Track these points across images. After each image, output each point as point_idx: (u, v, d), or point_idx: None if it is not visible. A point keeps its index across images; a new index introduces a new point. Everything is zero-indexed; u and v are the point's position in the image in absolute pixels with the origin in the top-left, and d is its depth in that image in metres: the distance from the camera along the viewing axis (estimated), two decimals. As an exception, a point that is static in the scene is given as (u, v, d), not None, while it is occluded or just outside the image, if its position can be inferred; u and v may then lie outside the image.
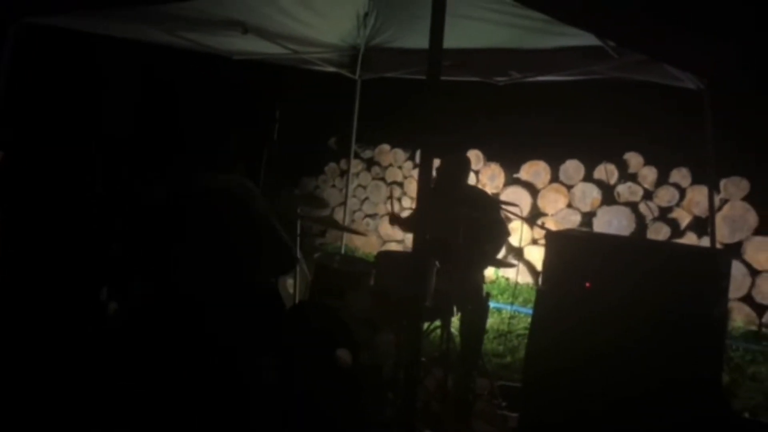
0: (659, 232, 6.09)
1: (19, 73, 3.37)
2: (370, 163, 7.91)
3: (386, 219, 7.58)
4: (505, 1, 2.93)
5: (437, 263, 3.39)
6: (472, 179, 6.96)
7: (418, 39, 4.34)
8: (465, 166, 4.10)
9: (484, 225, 3.67)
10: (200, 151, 2.56)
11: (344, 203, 6.27)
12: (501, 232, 3.93)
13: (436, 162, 6.63)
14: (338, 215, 7.54)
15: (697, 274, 2.78)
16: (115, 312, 3.92)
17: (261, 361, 2.63)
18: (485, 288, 4.07)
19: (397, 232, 7.53)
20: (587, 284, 2.94)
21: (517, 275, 6.20)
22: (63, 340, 3.55)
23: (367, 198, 7.87)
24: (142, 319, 2.58)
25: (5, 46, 3.21)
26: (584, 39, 3.54)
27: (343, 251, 5.85)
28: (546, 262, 3.16)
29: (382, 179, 7.79)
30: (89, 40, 4.02)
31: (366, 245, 7.55)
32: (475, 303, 3.73)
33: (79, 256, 4.22)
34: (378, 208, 7.79)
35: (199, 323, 2.44)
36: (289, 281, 4.30)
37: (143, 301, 2.60)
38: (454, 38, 4.08)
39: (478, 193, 4.20)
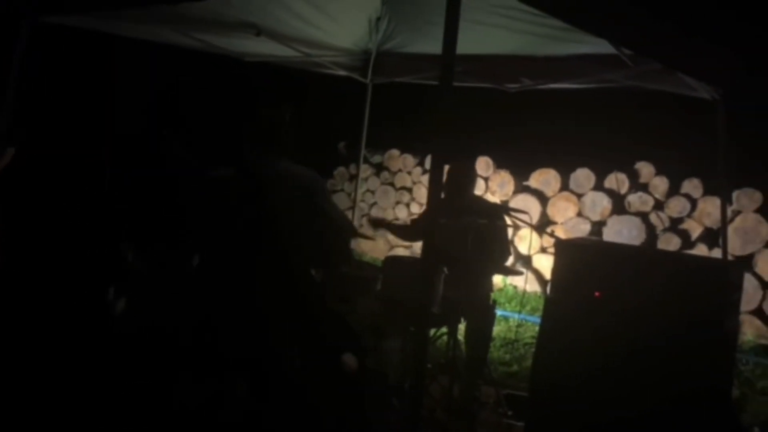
0: (670, 243, 6.03)
1: (32, 72, 3.38)
2: (380, 168, 7.90)
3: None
4: (520, 7, 2.91)
5: (445, 270, 3.37)
6: (481, 186, 6.94)
7: (430, 44, 4.33)
8: (471, 174, 4.08)
9: (491, 233, 3.65)
10: (249, 138, 2.53)
11: (353, 207, 6.26)
12: (506, 242, 3.92)
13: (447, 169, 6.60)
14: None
15: (708, 286, 2.75)
16: (122, 311, 3.93)
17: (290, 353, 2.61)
18: (492, 296, 4.04)
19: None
20: (597, 293, 2.91)
21: (525, 283, 6.16)
22: (70, 338, 3.56)
23: (375, 203, 7.86)
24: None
25: (18, 45, 3.22)
26: (598, 47, 3.51)
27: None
28: (555, 270, 3.13)
29: (391, 184, 7.78)
30: (102, 40, 4.04)
31: (374, 250, 7.53)
32: (482, 310, 3.71)
33: (86, 255, 4.23)
34: (386, 213, 7.78)
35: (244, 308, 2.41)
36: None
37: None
38: (466, 44, 4.10)
39: (483, 202, 4.19)
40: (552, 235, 4.02)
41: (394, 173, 7.79)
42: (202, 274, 2.53)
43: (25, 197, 4.66)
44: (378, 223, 4.41)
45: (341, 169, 8.16)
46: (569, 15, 2.29)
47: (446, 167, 4.02)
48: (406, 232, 4.47)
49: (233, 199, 2.43)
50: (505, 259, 4.01)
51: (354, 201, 6.19)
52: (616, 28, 2.55)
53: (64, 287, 4.05)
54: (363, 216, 7.83)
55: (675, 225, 6.16)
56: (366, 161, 7.73)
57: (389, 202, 7.76)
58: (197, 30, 4.02)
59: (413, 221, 4.87)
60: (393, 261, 3.64)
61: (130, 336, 3.39)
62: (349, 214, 7.24)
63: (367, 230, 7.66)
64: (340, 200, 8.05)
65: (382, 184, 7.83)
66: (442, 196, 4.11)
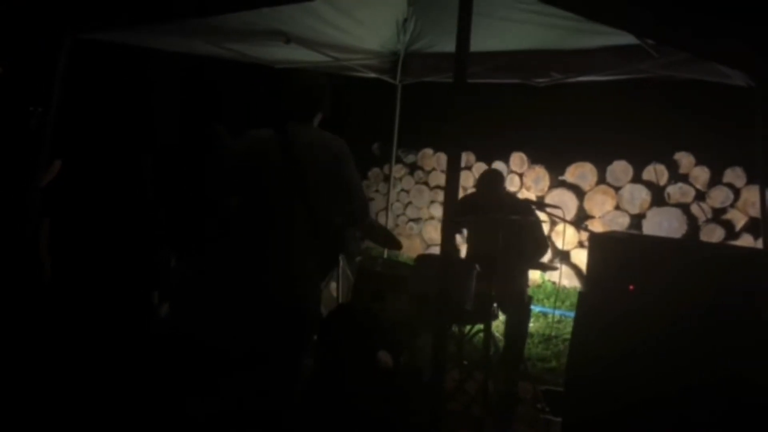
0: (713, 234, 5.88)
1: (73, 86, 3.54)
2: (413, 168, 7.93)
3: (429, 223, 7.61)
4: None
5: (477, 267, 3.39)
6: (515, 182, 6.91)
7: (457, 43, 4.35)
8: (499, 178, 4.15)
9: (524, 229, 3.66)
10: (286, 104, 2.58)
11: (387, 208, 6.31)
12: (542, 237, 3.92)
13: (481, 166, 6.59)
14: (381, 220, 7.59)
15: (746, 276, 2.70)
16: (166, 314, 4.06)
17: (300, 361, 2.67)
18: (529, 291, 4.04)
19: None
20: (631, 287, 2.89)
21: (560, 278, 6.10)
22: (117, 342, 3.70)
23: (410, 202, 7.89)
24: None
25: (60, 61, 3.38)
26: (627, 38, 3.47)
27: (385, 255, 5.89)
28: (589, 264, 3.11)
29: (425, 183, 7.80)
30: (140, 54, 4.19)
31: (409, 249, 7.56)
32: (518, 306, 3.71)
33: (131, 261, 4.39)
34: (421, 213, 7.80)
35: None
36: (333, 284, 4.37)
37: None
38: (493, 40, 4.11)
39: (515, 198, 4.20)
40: (586, 229, 3.99)
41: (428, 172, 7.81)
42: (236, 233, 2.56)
43: (71, 207, 4.86)
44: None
45: (375, 170, 8.22)
46: (586, 10, 2.28)
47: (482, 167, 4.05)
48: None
49: (269, 158, 2.48)
50: (542, 254, 4.00)
51: (388, 201, 6.24)
52: (637, 20, 2.52)
53: (111, 293, 4.21)
54: (398, 216, 7.88)
55: (718, 216, 6.01)
56: (399, 161, 7.77)
57: (424, 202, 7.78)
58: (229, 40, 4.14)
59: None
60: (425, 259, 3.67)
61: (173, 339, 3.50)
62: (383, 214, 7.29)
63: (403, 230, 7.72)
64: (376, 201, 8.12)
65: (417, 183, 7.86)
66: (476, 191, 4.15)
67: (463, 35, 1.80)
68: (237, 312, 2.50)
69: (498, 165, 7.05)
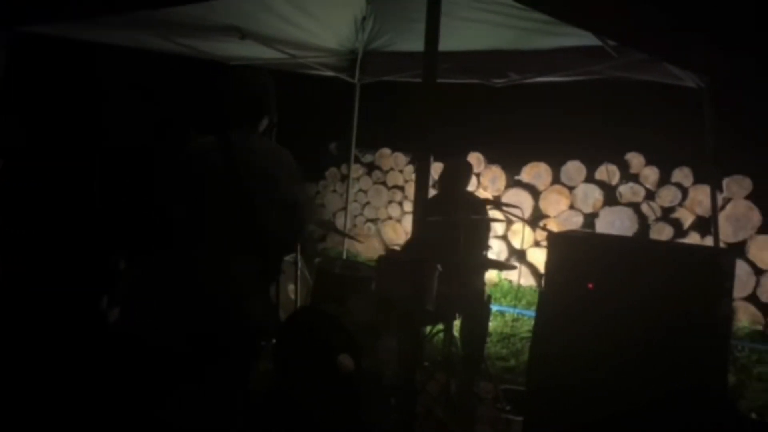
0: (662, 233, 6.05)
1: (14, 82, 3.36)
2: (371, 168, 7.89)
3: (387, 223, 7.59)
4: (503, 2, 2.91)
5: (439, 267, 3.37)
6: (473, 182, 6.94)
7: (416, 42, 4.30)
8: (466, 171, 4.09)
9: (481, 228, 3.66)
10: (226, 108, 2.46)
11: (345, 208, 6.25)
12: (485, 236, 3.94)
13: (439, 167, 6.62)
14: (339, 220, 7.52)
15: (700, 274, 2.75)
16: (115, 319, 3.91)
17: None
18: (487, 291, 4.04)
19: (400, 237, 7.51)
20: (590, 285, 2.92)
21: (519, 277, 6.17)
22: (64, 348, 3.54)
23: (368, 203, 7.85)
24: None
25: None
26: (583, 39, 3.52)
27: (344, 256, 5.83)
28: (548, 263, 3.13)
29: (383, 183, 7.77)
30: (86, 49, 4.01)
31: (368, 250, 7.52)
32: (477, 306, 3.70)
33: (79, 265, 4.21)
34: (379, 213, 7.77)
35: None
36: (290, 286, 4.28)
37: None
38: (452, 41, 4.11)
39: (474, 198, 4.19)
40: (544, 228, 4.03)
41: (386, 172, 7.78)
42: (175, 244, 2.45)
43: (15, 209, 4.63)
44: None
45: (333, 169, 8.15)
46: (553, 8, 2.29)
47: (442, 165, 4.04)
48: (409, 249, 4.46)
49: (210, 165, 2.37)
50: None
51: (346, 201, 6.18)
52: (599, 20, 2.55)
53: (58, 297, 4.03)
54: (356, 216, 7.83)
55: (667, 214, 6.18)
56: (357, 161, 7.72)
57: (382, 202, 7.75)
58: (181, 35, 4.00)
59: (407, 242, 4.81)
60: (387, 260, 3.62)
61: (123, 344, 3.37)
62: (341, 214, 7.23)
63: (360, 231, 7.67)
64: (333, 201, 8.04)
65: (375, 183, 7.82)
66: (437, 191, 4.14)
67: (432, 36, 1.76)
68: (180, 317, 2.40)
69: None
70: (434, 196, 4.10)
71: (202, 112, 2.59)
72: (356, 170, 7.72)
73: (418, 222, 1.86)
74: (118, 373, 2.93)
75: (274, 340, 3.37)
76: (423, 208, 1.83)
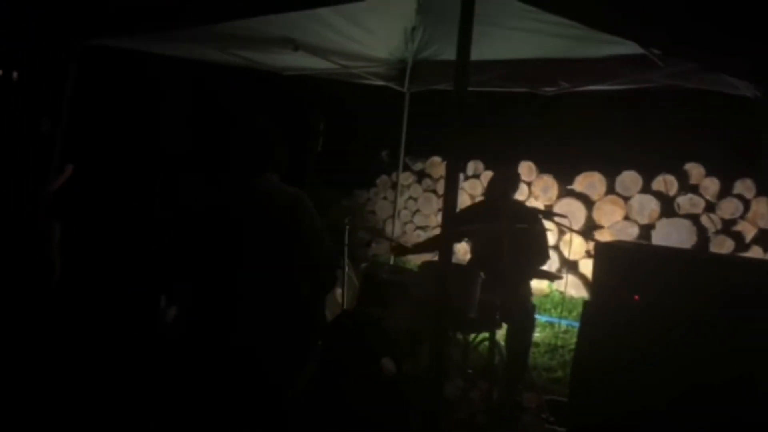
0: (723, 246, 5.84)
1: (84, 91, 3.59)
2: (421, 176, 7.93)
3: (437, 231, 7.60)
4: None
5: (482, 275, 3.37)
6: (524, 191, 6.89)
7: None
8: (514, 181, 4.08)
9: (529, 238, 3.64)
10: (250, 159, 2.56)
11: (394, 215, 6.32)
12: (544, 246, 3.89)
13: (487, 176, 6.59)
14: (389, 228, 7.59)
15: (756, 288, 2.67)
16: (173, 319, 4.09)
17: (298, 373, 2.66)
18: (534, 301, 4.01)
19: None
20: (636, 297, 2.87)
21: (566, 287, 6.07)
22: (123, 345, 3.73)
23: (418, 210, 7.89)
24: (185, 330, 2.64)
25: (70, 67, 3.42)
26: (635, 47, 3.47)
27: (392, 262, 5.89)
28: (594, 273, 3.10)
29: (434, 191, 7.80)
30: (148, 60, 4.23)
31: (416, 256, 7.55)
32: (521, 315, 3.69)
33: (139, 265, 4.43)
34: (429, 220, 7.80)
35: (242, 336, 2.47)
36: (338, 290, 4.37)
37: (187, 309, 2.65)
38: (502, 50, 4.12)
39: (522, 207, 4.18)
40: (593, 238, 3.97)
41: (436, 180, 7.81)
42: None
43: (82, 210, 4.92)
44: (402, 251, 4.45)
45: (383, 177, 8.23)
46: (595, 21, 2.28)
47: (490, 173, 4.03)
48: (436, 242, 4.50)
49: (219, 220, 2.45)
50: (543, 263, 3.98)
51: (395, 209, 6.25)
52: (645, 30, 2.52)
53: (118, 295, 4.25)
54: (405, 224, 7.88)
55: (728, 227, 5.96)
56: (407, 169, 7.78)
57: (432, 209, 7.77)
58: (238, 47, 4.17)
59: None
60: (429, 266, 3.66)
61: (179, 343, 3.51)
62: (390, 222, 7.29)
63: (410, 238, 7.72)
64: (383, 208, 8.12)
65: (424, 191, 7.86)
66: (485, 199, 4.14)
67: (464, 44, 1.80)
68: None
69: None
70: (479, 203, 4.11)
71: (219, 157, 2.67)
72: (406, 178, 7.79)
73: (446, 229, 1.89)
74: (176, 373, 3.07)
75: (320, 342, 3.45)
76: (451, 217, 1.87)
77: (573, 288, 6.44)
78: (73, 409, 3.12)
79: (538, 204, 6.80)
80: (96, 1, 3.42)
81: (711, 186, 6.12)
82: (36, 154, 4.45)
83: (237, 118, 2.61)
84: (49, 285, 4.47)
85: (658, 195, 6.33)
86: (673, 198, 6.28)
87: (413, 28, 4.53)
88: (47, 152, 4.11)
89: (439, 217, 7.65)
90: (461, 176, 7.59)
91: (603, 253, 3.13)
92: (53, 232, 4.59)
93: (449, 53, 4.73)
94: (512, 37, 3.86)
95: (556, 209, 6.55)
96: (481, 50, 1.89)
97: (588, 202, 6.66)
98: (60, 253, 4.59)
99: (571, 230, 3.90)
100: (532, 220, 3.78)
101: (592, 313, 3.04)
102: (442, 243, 1.93)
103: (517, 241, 3.49)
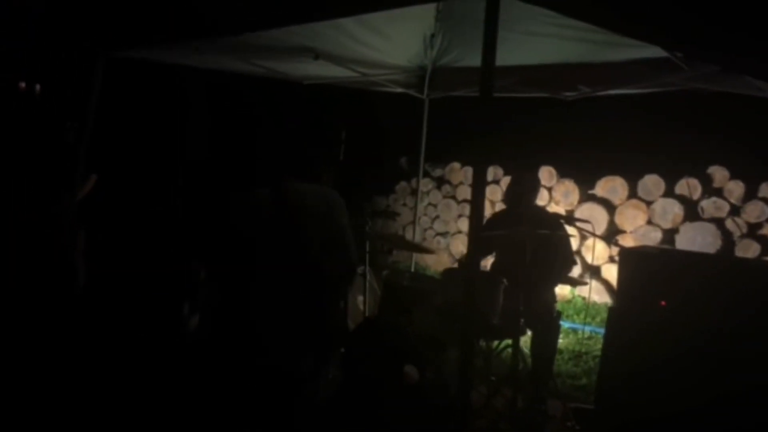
0: (748, 250, 5.74)
1: (107, 102, 3.65)
2: (441, 182, 7.93)
3: (457, 237, 7.58)
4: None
5: (505, 281, 3.36)
6: (544, 196, 6.84)
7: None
8: (534, 185, 4.06)
9: (552, 243, 3.61)
10: (282, 163, 2.64)
11: (414, 221, 6.32)
12: (569, 252, 3.86)
13: (507, 180, 6.56)
14: (409, 234, 7.59)
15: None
16: (196, 325, 4.13)
17: (323, 376, 2.68)
18: (558, 307, 3.98)
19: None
20: (662, 302, 2.84)
21: (590, 294, 6.00)
22: (146, 349, 3.77)
23: (437, 216, 7.88)
24: (213, 331, 2.69)
25: (94, 77, 3.48)
26: (655, 50, 3.44)
27: (413, 269, 5.88)
28: (619, 279, 3.07)
29: (453, 197, 7.79)
30: (169, 71, 4.29)
31: (437, 263, 7.54)
32: (545, 322, 3.66)
33: (162, 272, 4.48)
34: (449, 227, 7.78)
35: (266, 338, 2.51)
36: (359, 297, 4.38)
37: (216, 310, 2.70)
38: (522, 55, 4.11)
39: (544, 212, 4.14)
40: (617, 243, 3.93)
41: (456, 186, 7.79)
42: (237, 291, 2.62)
43: (106, 218, 4.99)
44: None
45: (403, 183, 8.24)
46: (617, 25, 2.27)
47: (509, 177, 4.03)
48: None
49: (266, 217, 2.53)
50: (569, 269, 3.95)
51: (416, 215, 6.24)
52: (668, 33, 2.50)
53: (142, 303, 4.30)
54: (425, 230, 7.87)
55: (753, 231, 5.86)
56: (427, 175, 7.77)
57: (451, 216, 7.76)
58: (259, 57, 4.21)
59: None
60: (452, 273, 3.65)
61: (201, 349, 3.55)
62: (410, 228, 7.29)
63: (430, 244, 7.70)
64: (403, 214, 8.13)
65: (444, 197, 7.85)
66: (504, 206, 4.13)
67: (489, 48, 1.80)
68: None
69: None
70: (500, 212, 4.09)
71: (264, 165, 2.75)
72: (426, 184, 7.78)
73: (474, 236, 1.89)
74: (200, 380, 3.10)
75: (342, 349, 3.46)
76: (479, 220, 1.86)
77: (596, 293, 6.38)
78: (94, 413, 3.15)
79: (560, 209, 6.76)
80: (120, 13, 3.48)
81: (735, 189, 6.02)
82: (62, 163, 4.53)
83: (267, 124, 2.72)
84: (73, 292, 4.54)
85: (682, 199, 6.25)
86: (697, 202, 6.19)
87: (432, 35, 4.54)
88: (72, 162, 4.18)
89: (459, 223, 7.65)
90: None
91: (628, 259, 3.10)
92: (79, 239, 4.67)
93: (468, 60, 4.74)
94: (532, 43, 3.85)
95: (578, 214, 6.50)
96: (501, 56, 1.89)
97: (610, 207, 6.59)
98: (85, 259, 4.66)
99: (595, 236, 3.87)
100: (554, 225, 3.76)
101: (617, 319, 3.02)
102: (469, 249, 1.92)
103: (540, 247, 3.47)
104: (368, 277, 4.26)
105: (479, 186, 1.86)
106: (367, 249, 4.21)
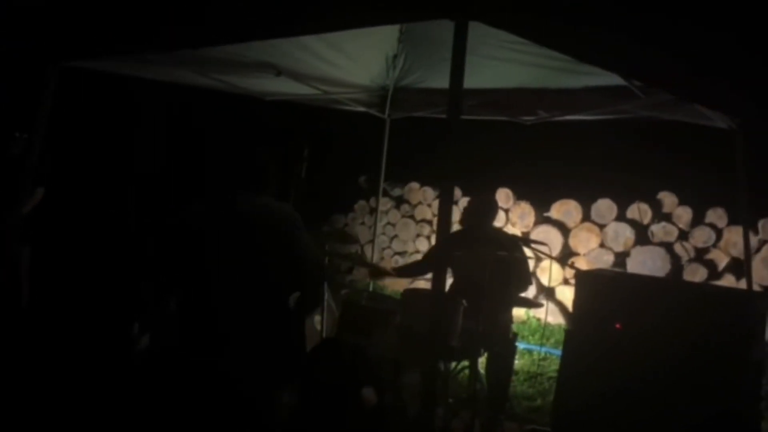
0: (696, 274, 5.93)
1: (58, 113, 3.51)
2: (400, 201, 7.94)
3: (414, 257, 7.59)
4: (530, 42, 2.96)
5: (464, 302, 3.35)
6: (501, 218, 6.93)
7: (445, 80, 4.36)
8: (491, 208, 4.09)
9: (510, 265, 3.64)
10: (233, 177, 2.59)
11: (373, 240, 6.29)
12: (526, 273, 3.90)
13: (465, 202, 6.61)
14: (367, 252, 7.55)
15: (732, 317, 2.70)
16: (145, 346, 3.98)
17: (279, 398, 2.61)
18: (514, 328, 4.00)
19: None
20: (617, 325, 2.88)
21: (546, 315, 6.08)
22: (94, 371, 3.62)
23: (396, 236, 7.88)
24: (166, 348, 2.60)
25: (45, 88, 3.35)
26: (612, 78, 3.54)
27: (371, 288, 5.84)
28: (576, 302, 3.11)
29: (411, 217, 7.81)
30: (124, 82, 4.17)
31: (395, 283, 7.50)
32: (503, 343, 3.67)
33: (112, 291, 4.32)
34: (407, 246, 7.79)
35: (223, 353, 2.44)
36: (317, 317, 4.30)
37: (170, 322, 2.62)
38: (482, 78, 4.17)
39: (502, 234, 4.19)
40: (572, 266, 3.99)
41: (414, 206, 7.82)
42: (185, 310, 2.57)
43: (53, 235, 4.79)
44: (379, 274, 4.42)
45: (362, 202, 8.22)
46: (576, 51, 2.33)
47: (467, 200, 4.06)
48: (418, 267, 4.50)
49: (215, 222, 2.48)
50: (524, 290, 3.98)
51: (374, 234, 6.22)
52: (624, 62, 2.57)
53: (90, 322, 4.13)
54: (383, 249, 7.86)
55: (701, 255, 6.06)
56: (386, 194, 7.78)
57: (410, 235, 7.77)
58: (219, 71, 4.14)
59: (426, 254, 4.87)
60: (412, 293, 3.63)
61: (152, 370, 3.42)
62: (369, 247, 7.27)
63: (388, 263, 7.69)
64: (361, 233, 8.09)
65: (403, 216, 7.86)
66: (461, 227, 4.15)
67: (457, 72, 1.81)
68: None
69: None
70: (458, 232, 4.10)
71: (215, 177, 2.71)
72: (385, 203, 7.79)
73: (438, 257, 1.87)
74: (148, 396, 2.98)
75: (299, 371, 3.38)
76: (446, 243, 1.85)
77: (551, 315, 6.46)
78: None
79: (516, 231, 6.84)
80: (72, 23, 3.36)
81: (684, 214, 6.23)
82: (6, 176, 4.34)
83: (222, 138, 2.69)
84: (17, 310, 4.34)
85: (633, 223, 6.42)
86: (648, 226, 6.38)
87: (395, 56, 4.57)
88: (18, 175, 4.01)
89: (417, 243, 7.66)
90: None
91: (584, 282, 3.15)
92: (23, 256, 4.47)
93: (430, 81, 4.78)
94: (490, 66, 3.91)
95: (533, 236, 6.60)
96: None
97: (564, 230, 6.72)
98: (29, 277, 4.46)
99: (551, 258, 3.92)
100: (512, 247, 3.79)
101: (573, 341, 3.04)
102: (435, 271, 1.91)
103: (498, 269, 3.48)
104: (326, 296, 4.20)
105: (445, 204, 1.85)
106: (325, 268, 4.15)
